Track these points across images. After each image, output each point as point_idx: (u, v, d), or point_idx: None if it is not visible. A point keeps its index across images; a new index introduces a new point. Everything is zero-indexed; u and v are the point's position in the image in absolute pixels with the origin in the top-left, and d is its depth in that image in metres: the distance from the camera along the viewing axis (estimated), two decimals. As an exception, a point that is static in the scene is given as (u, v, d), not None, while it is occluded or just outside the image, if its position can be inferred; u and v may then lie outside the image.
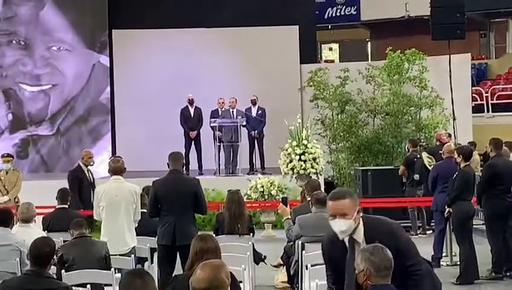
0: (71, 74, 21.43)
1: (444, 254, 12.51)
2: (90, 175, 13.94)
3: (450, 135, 17.94)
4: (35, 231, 8.80)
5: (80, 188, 13.59)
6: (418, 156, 15.57)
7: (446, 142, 14.93)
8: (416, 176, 15.33)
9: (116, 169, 9.72)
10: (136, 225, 9.63)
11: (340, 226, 5.21)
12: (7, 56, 21.33)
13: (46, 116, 21.29)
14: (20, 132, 21.19)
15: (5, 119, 21.18)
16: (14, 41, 21.41)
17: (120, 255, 8.79)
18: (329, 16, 31.38)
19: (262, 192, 16.07)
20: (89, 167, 13.97)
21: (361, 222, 5.27)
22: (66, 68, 21.43)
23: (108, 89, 21.68)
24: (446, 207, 11.63)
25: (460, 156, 11.53)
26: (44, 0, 21.58)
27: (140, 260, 9.56)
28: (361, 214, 5.28)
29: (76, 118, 21.43)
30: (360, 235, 5.26)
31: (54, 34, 21.45)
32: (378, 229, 5.30)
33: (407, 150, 16.41)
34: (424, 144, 17.85)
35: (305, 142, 16.10)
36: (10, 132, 21.13)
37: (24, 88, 21.26)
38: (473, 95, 23.47)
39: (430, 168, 14.45)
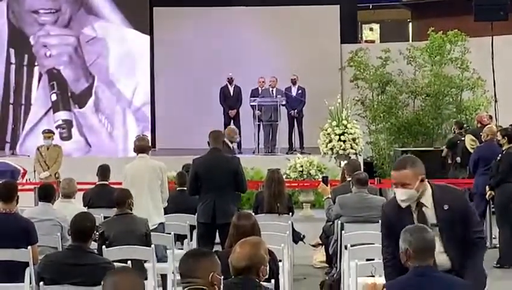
0: (114, 54, 21.44)
1: (484, 236, 12.41)
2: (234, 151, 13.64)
3: (491, 117, 17.71)
4: (77, 206, 8.88)
5: None
6: (462, 138, 15.44)
7: (487, 124, 14.77)
8: (458, 159, 15.22)
9: (141, 147, 9.83)
10: (165, 204, 9.71)
11: (400, 195, 5.31)
12: (51, 36, 21.35)
13: (90, 96, 21.31)
14: (64, 112, 21.19)
15: (49, 99, 21.22)
16: (58, 20, 21.45)
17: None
18: (371, -5, 31.10)
19: (301, 171, 16.00)
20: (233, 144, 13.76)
21: (428, 188, 5.36)
22: (108, 48, 21.44)
23: (149, 67, 21.68)
24: (488, 189, 11.54)
25: (505, 137, 11.42)
26: (88, -21, 21.62)
27: (180, 237, 9.62)
28: (425, 182, 5.34)
29: (119, 97, 21.43)
30: (428, 200, 5.35)
31: (97, 13, 21.47)
32: (447, 194, 5.41)
33: (453, 131, 16.27)
34: (465, 126, 17.71)
35: (344, 122, 15.99)
36: (54, 112, 21.17)
37: (68, 68, 21.30)
38: (515, 77, 23.17)
39: (471, 150, 14.33)
